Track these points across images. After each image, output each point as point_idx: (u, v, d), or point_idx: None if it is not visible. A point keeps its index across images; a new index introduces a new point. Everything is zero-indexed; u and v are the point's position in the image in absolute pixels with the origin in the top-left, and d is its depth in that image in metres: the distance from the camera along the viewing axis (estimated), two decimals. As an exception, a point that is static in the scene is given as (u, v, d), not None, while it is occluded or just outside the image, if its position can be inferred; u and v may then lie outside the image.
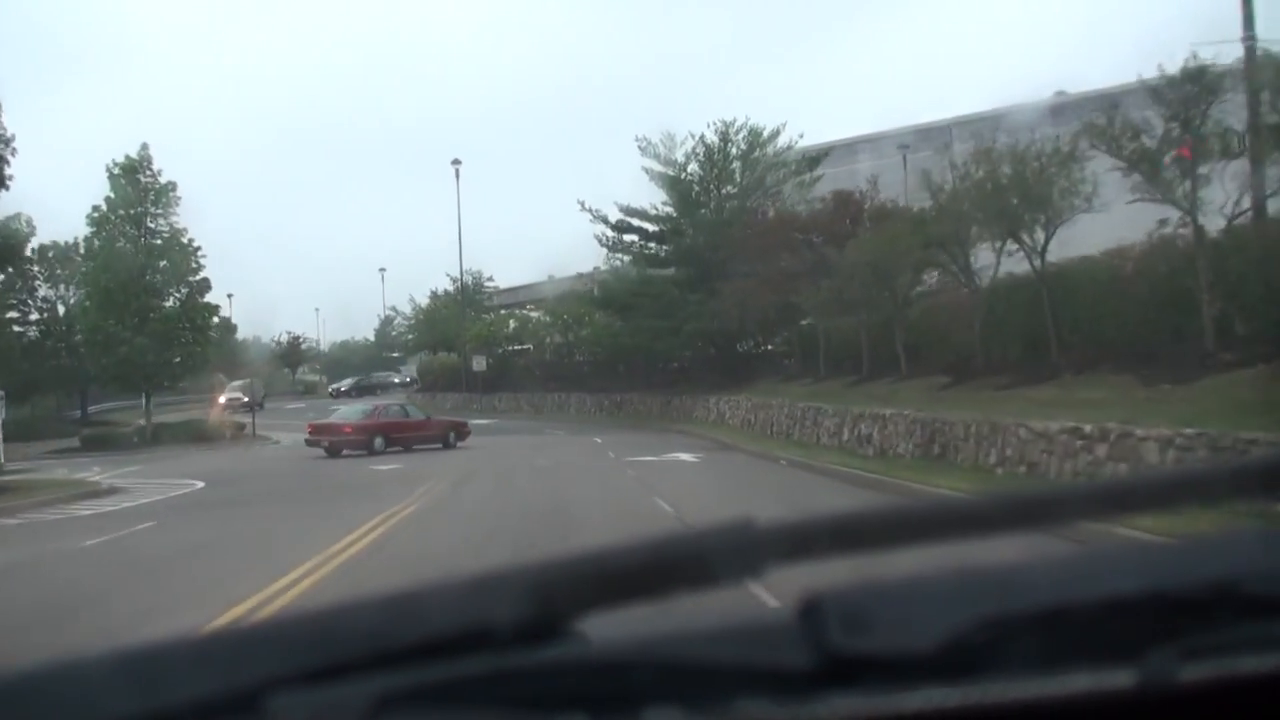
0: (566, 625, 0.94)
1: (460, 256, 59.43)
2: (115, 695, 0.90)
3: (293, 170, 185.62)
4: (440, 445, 33.74)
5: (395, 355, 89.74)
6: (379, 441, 31.85)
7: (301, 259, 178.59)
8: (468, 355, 57.10)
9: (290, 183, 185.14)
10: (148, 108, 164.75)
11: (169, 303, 39.91)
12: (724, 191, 44.97)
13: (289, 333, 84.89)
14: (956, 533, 1.01)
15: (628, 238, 46.19)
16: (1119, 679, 0.94)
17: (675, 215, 45.06)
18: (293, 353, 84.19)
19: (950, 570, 0.99)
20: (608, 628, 0.95)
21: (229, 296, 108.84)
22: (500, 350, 59.23)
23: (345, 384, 77.45)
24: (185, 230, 40.68)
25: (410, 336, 67.50)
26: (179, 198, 40.55)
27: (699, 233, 44.61)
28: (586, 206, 45.67)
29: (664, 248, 46.10)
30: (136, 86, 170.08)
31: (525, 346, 59.23)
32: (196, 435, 41.12)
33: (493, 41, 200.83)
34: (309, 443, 32.23)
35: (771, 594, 1.01)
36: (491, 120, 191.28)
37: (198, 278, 40.87)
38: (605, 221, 45.74)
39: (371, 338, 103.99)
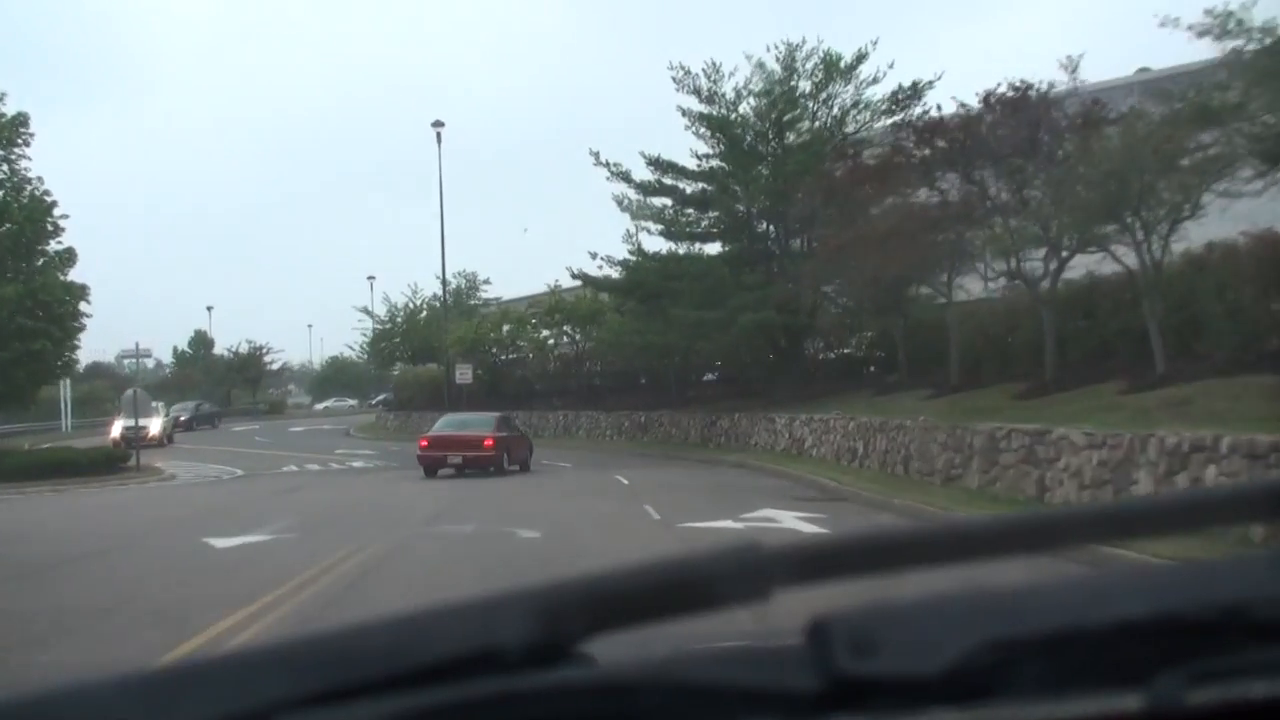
0: (573, 647, 0.93)
1: (442, 236, 47.34)
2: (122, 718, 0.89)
3: (291, 187, 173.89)
4: (519, 468, 26.93)
5: (396, 373, 77.82)
6: (506, 459, 26.03)
7: (301, 278, 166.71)
8: (450, 364, 45.16)
9: (288, 200, 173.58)
10: (138, 124, 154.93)
11: (10, 281, 27.91)
12: (788, 140, 33.09)
13: (248, 342, 72.66)
14: (966, 555, 1.00)
15: (658, 201, 34.25)
16: (1127, 703, 0.93)
17: (723, 169, 33.11)
18: (253, 366, 71.81)
19: (959, 592, 0.98)
20: (614, 649, 0.93)
21: (208, 309, 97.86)
22: (493, 359, 47.27)
23: (183, 409, 57.42)
24: (38, 182, 28.90)
25: (385, 344, 55.39)
26: (31, 134, 28.80)
27: (754, 196, 32.75)
28: (603, 160, 33.80)
29: (708, 215, 34.22)
30: (129, 101, 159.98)
31: (525, 354, 47.19)
32: (60, 469, 29.01)
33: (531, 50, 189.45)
34: (424, 460, 25.44)
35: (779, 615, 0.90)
36: (509, 136, 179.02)
37: (57, 247, 29.07)
38: (628, 180, 33.84)
39: (367, 354, 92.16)
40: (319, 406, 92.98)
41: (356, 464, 31.72)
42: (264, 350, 72.21)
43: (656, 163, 33.30)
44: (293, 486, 23.21)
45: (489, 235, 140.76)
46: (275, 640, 0.96)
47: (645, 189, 33.82)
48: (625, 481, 22.12)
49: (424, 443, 26.18)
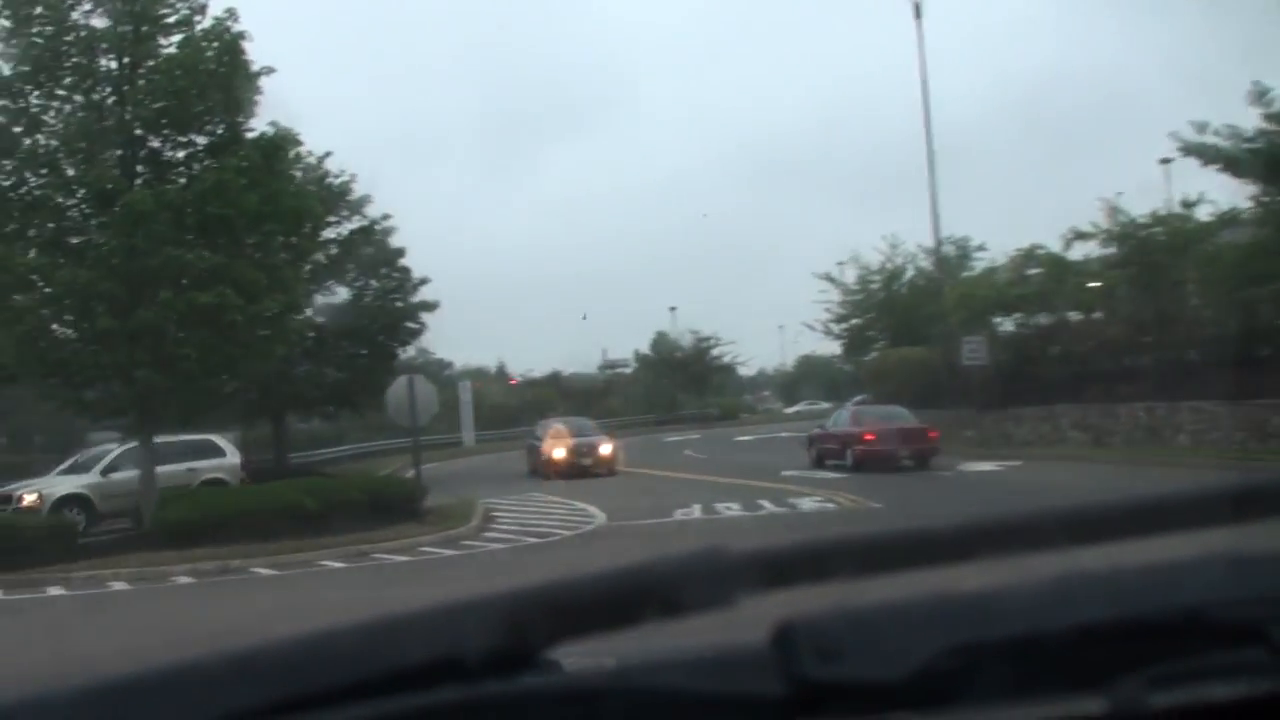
0: (539, 654, 0.93)
1: (928, 128, 32.96)
2: None
3: (760, 188, 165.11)
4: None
5: (867, 360, 65.69)
6: None
7: (770, 280, 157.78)
8: (953, 339, 30.70)
9: (756, 201, 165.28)
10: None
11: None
12: None
13: (692, 332, 62.35)
14: (931, 561, 1.00)
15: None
16: (1089, 707, 0.93)
17: None
18: (697, 362, 62.00)
19: (924, 596, 0.98)
20: (580, 656, 0.94)
21: (671, 309, 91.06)
22: (1014, 332, 32.18)
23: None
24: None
25: (859, 320, 42.12)
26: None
27: None
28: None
29: None
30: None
31: (1062, 315, 31.44)
32: (325, 517, 17.76)
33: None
34: (867, 455, 23.42)
35: (744, 621, 0.93)
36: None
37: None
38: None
39: (833, 334, 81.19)
40: (789, 410, 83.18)
41: (806, 504, 18.43)
42: (711, 343, 62.16)
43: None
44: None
45: (988, 201, 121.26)
46: (237, 649, 0.90)
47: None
48: None
49: (870, 435, 24.10)
